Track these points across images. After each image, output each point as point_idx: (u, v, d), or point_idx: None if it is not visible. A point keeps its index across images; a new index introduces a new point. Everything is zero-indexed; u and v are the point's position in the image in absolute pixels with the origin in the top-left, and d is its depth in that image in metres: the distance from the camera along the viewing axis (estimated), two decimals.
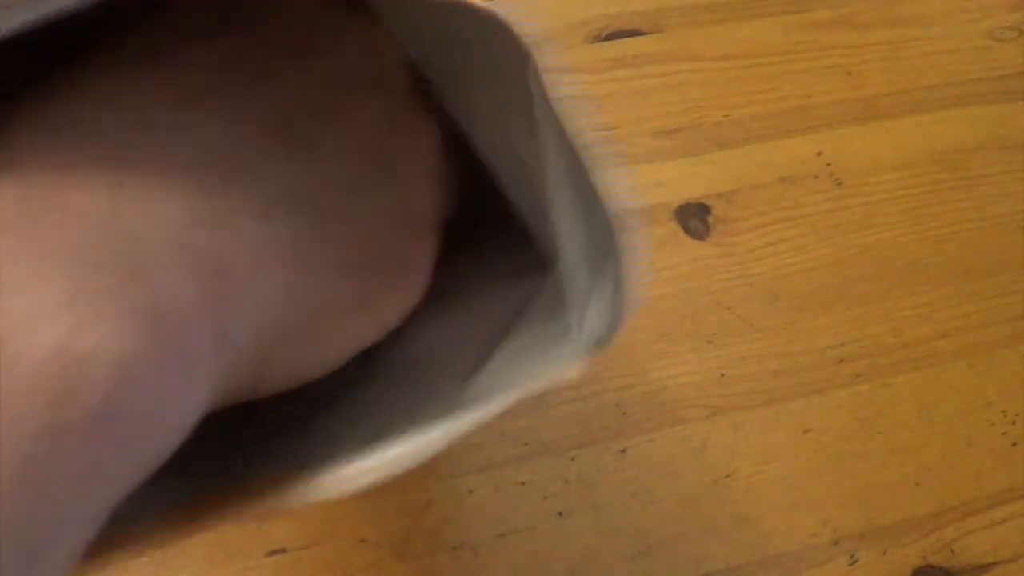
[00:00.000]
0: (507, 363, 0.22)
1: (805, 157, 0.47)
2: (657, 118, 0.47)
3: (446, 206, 0.23)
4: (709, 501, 0.37)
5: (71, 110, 0.16)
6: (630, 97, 0.48)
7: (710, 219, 0.44)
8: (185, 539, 0.18)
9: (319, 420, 0.24)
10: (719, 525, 0.36)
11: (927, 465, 0.38)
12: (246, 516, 0.19)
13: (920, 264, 0.44)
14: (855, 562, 0.36)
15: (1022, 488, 0.38)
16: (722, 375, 0.40)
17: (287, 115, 0.18)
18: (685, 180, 0.45)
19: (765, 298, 0.42)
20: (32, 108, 0.16)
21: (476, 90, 0.22)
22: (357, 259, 0.20)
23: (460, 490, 0.36)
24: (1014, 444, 0.39)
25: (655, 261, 0.43)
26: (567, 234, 0.21)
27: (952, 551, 0.36)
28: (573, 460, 0.37)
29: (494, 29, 0.18)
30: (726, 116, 0.48)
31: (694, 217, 0.44)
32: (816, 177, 0.46)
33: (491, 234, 0.27)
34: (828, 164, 0.46)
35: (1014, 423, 0.40)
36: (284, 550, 0.35)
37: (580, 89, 0.48)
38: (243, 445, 0.23)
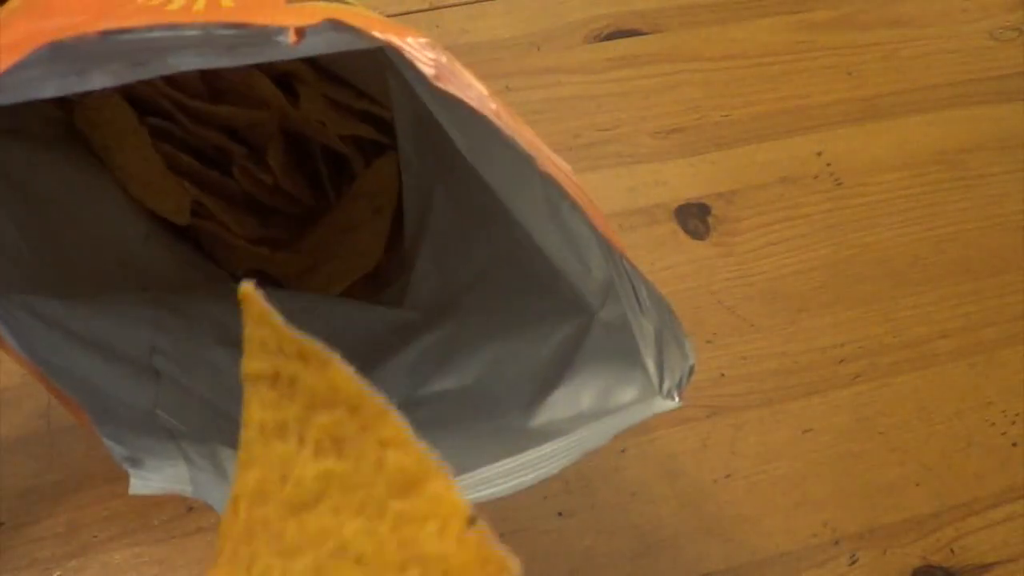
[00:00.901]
0: (570, 396, 0.26)
1: (805, 157, 0.47)
2: (657, 118, 0.47)
3: None
4: (709, 501, 0.37)
5: None
6: (630, 97, 0.48)
7: (710, 219, 0.44)
8: None
9: None
10: (719, 525, 0.36)
11: (927, 465, 0.38)
12: None
13: (920, 264, 0.44)
14: (855, 562, 0.36)
15: (1022, 488, 0.38)
16: (722, 375, 0.40)
17: None
18: (685, 180, 0.45)
19: (765, 298, 0.42)
20: None
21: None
22: None
23: None
24: (1014, 444, 0.39)
25: (655, 261, 0.43)
26: (624, 292, 0.24)
27: (952, 551, 0.36)
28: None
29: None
30: (726, 116, 0.48)
31: (694, 217, 0.44)
32: (816, 177, 0.46)
33: (527, 281, 0.29)
34: (828, 164, 0.46)
35: (1014, 423, 0.40)
36: None
37: (580, 89, 0.48)
38: None
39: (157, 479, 0.24)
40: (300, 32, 0.20)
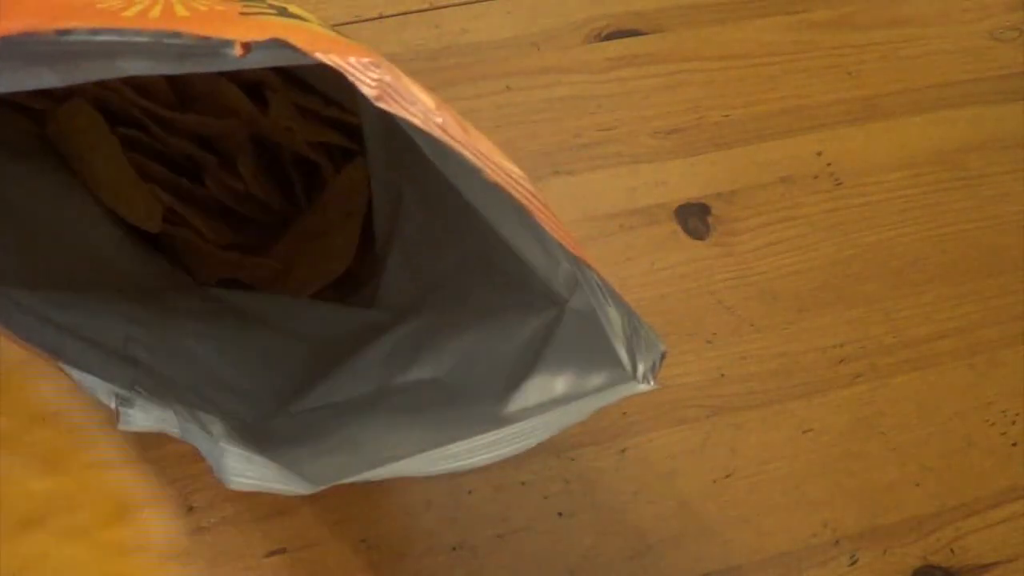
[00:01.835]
0: (544, 383, 0.27)
1: (805, 157, 0.47)
2: (657, 118, 0.47)
3: None
4: (709, 501, 0.37)
5: None
6: (630, 97, 0.48)
7: (710, 219, 0.44)
8: None
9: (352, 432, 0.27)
10: (719, 525, 0.36)
11: (927, 465, 0.38)
12: None
13: (920, 264, 0.44)
14: (855, 562, 0.36)
15: (1022, 488, 0.38)
16: (722, 375, 0.40)
17: None
18: (685, 180, 0.45)
19: (765, 298, 0.42)
20: None
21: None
22: None
23: (460, 490, 0.36)
24: (1014, 444, 0.39)
25: (655, 261, 0.43)
26: (591, 287, 0.25)
27: (952, 551, 0.36)
28: (573, 460, 0.37)
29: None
30: (726, 116, 0.48)
31: (694, 217, 0.44)
32: (816, 177, 0.46)
33: (497, 277, 0.30)
34: (828, 164, 0.46)
35: (1014, 423, 0.40)
36: (284, 550, 0.35)
37: (580, 89, 0.48)
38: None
39: (144, 418, 0.24)
40: (246, 46, 0.21)
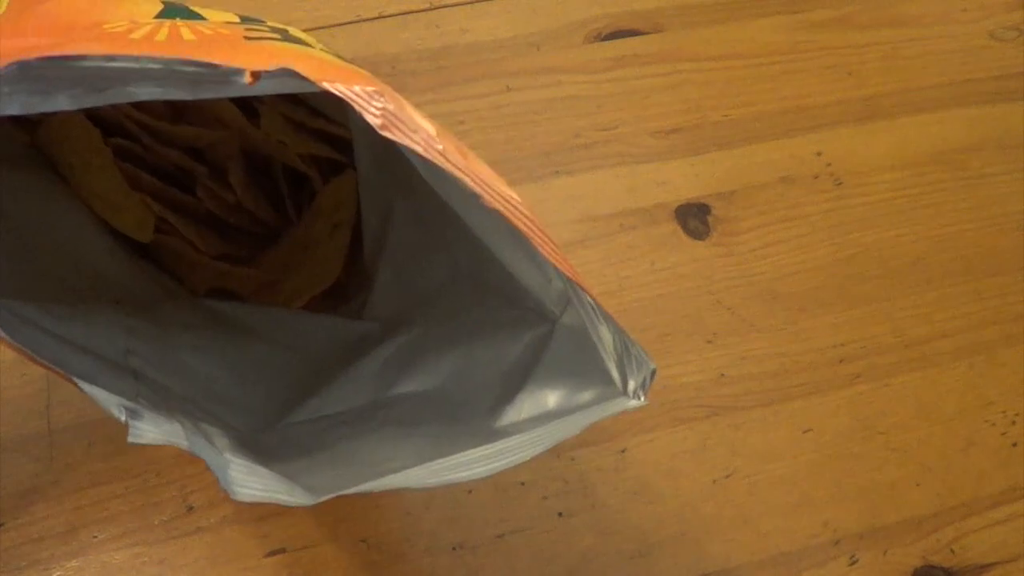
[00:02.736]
0: (536, 398, 0.27)
1: (805, 157, 0.47)
2: (657, 118, 0.47)
3: None
4: (709, 501, 0.37)
5: None
6: (630, 97, 0.48)
7: (710, 219, 0.44)
8: None
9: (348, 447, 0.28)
10: (719, 525, 0.36)
11: (927, 465, 0.38)
12: None
13: (920, 264, 0.44)
14: (855, 562, 0.36)
15: (1022, 488, 0.38)
16: (722, 375, 0.40)
17: None
18: (685, 180, 0.45)
19: (765, 298, 0.42)
20: None
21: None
22: None
23: (460, 490, 0.36)
24: (1014, 444, 0.39)
25: (655, 261, 0.43)
26: (581, 303, 0.25)
27: (952, 551, 0.36)
28: (573, 460, 0.37)
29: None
30: (726, 116, 0.48)
31: (694, 217, 0.44)
32: (816, 177, 0.46)
33: (489, 293, 0.31)
34: (828, 164, 0.46)
35: (1014, 423, 0.40)
36: (284, 550, 0.35)
37: (580, 89, 0.48)
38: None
39: (154, 431, 0.24)
40: (256, 75, 0.21)
